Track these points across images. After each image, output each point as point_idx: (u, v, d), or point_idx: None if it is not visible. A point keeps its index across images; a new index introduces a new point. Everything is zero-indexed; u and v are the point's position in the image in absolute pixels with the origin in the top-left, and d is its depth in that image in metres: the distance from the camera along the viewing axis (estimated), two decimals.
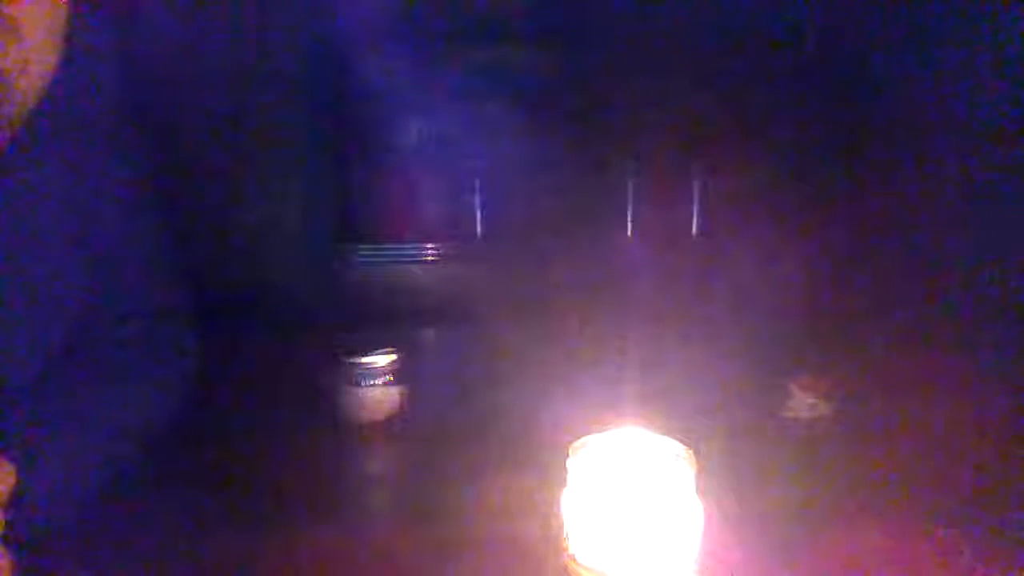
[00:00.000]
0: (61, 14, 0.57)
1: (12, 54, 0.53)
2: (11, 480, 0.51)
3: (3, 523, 0.50)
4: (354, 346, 0.88)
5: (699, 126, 1.25)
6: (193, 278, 0.84)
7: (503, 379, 0.96)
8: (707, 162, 1.30)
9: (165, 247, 0.80)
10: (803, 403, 0.87)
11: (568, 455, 0.57)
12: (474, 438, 0.84)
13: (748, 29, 1.25)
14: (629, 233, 1.34)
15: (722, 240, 1.30)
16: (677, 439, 0.58)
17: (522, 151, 1.29)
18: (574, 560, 0.55)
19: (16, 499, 0.51)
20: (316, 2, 1.24)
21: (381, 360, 0.87)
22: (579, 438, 0.58)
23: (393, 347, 0.89)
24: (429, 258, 1.36)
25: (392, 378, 0.88)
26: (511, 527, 0.64)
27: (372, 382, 0.87)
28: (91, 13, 0.65)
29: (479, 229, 1.36)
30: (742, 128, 1.23)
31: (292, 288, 1.26)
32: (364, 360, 0.87)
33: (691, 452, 0.56)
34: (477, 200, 1.36)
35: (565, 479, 0.56)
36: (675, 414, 0.67)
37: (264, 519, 0.68)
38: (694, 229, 1.33)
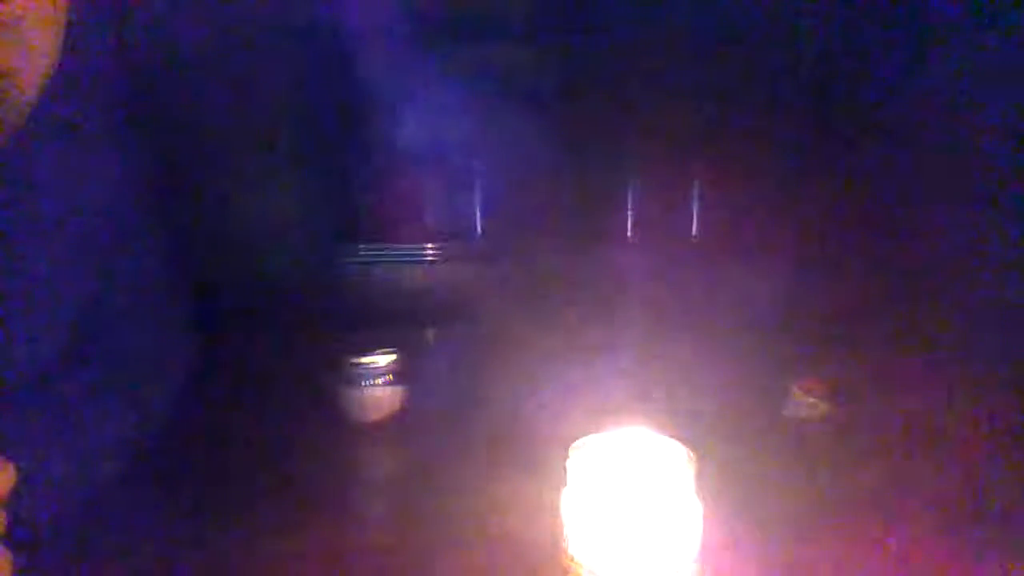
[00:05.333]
0: (62, 13, 0.57)
1: (13, 53, 0.53)
2: (11, 480, 0.51)
3: (3, 523, 0.50)
4: (354, 346, 0.88)
5: (699, 127, 1.25)
6: (193, 278, 0.84)
7: (503, 379, 0.96)
8: (707, 163, 1.30)
9: (164, 247, 0.80)
10: (803, 403, 0.87)
11: (568, 455, 0.57)
12: (474, 438, 0.84)
13: (748, 31, 1.25)
14: (629, 234, 1.34)
15: (722, 241, 1.30)
16: (677, 439, 0.58)
17: (522, 151, 1.28)
18: (574, 560, 0.55)
19: (16, 499, 0.51)
20: (317, 1, 1.24)
21: (381, 360, 0.87)
22: (579, 438, 0.58)
23: (393, 347, 0.89)
24: (429, 258, 1.36)
25: (392, 378, 0.88)
26: (511, 527, 0.64)
27: (372, 382, 0.87)
28: (91, 12, 0.65)
29: (479, 229, 1.36)
30: (742, 130, 1.23)
31: (292, 288, 1.26)
32: (364, 360, 0.87)
33: (691, 452, 0.56)
34: (477, 200, 1.36)
35: (565, 479, 0.56)
36: (675, 415, 0.67)
37: (264, 519, 0.68)
38: (694, 230, 1.33)
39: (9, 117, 0.57)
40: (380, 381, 0.87)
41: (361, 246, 1.35)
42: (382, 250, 1.36)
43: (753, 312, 1.14)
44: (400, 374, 0.88)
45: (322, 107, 1.29)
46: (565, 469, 0.56)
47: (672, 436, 0.58)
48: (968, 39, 1.08)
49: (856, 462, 0.77)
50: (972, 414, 0.84)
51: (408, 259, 1.36)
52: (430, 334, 1.25)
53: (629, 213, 1.34)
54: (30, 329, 0.65)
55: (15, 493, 0.51)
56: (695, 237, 1.33)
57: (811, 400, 0.87)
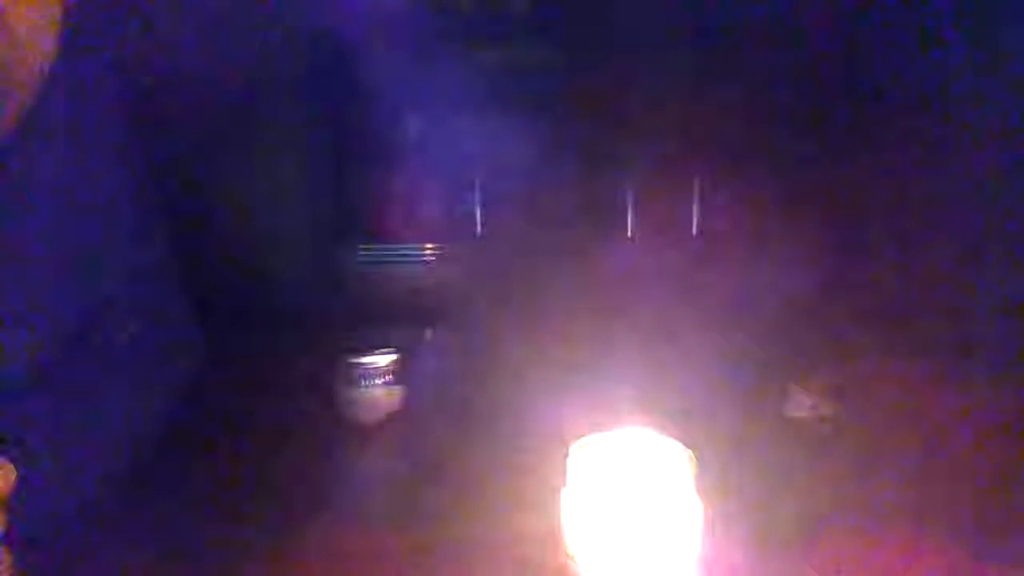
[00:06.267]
0: (57, 13, 0.57)
1: (9, 52, 0.53)
2: (11, 479, 0.51)
3: (3, 523, 0.50)
4: (354, 346, 0.88)
5: (699, 126, 1.25)
6: (193, 278, 0.84)
7: (503, 379, 0.96)
8: (707, 162, 1.30)
9: (164, 247, 0.80)
10: (803, 403, 0.87)
11: (568, 455, 0.57)
12: (473, 438, 0.84)
13: (748, 30, 1.25)
14: (629, 233, 1.34)
15: (722, 240, 1.30)
16: (677, 439, 0.58)
17: (522, 151, 1.28)
18: (574, 560, 0.55)
19: (16, 498, 0.51)
20: (317, 2, 1.24)
21: (381, 360, 0.87)
22: (579, 438, 0.58)
23: (393, 347, 0.89)
24: (429, 258, 1.36)
25: (392, 378, 0.88)
26: (511, 527, 0.64)
27: (372, 382, 0.87)
28: (91, 13, 0.65)
29: (479, 229, 1.36)
30: (742, 129, 1.23)
31: (292, 288, 1.26)
32: (364, 360, 0.87)
33: (691, 452, 0.56)
34: (477, 200, 1.36)
35: (565, 479, 0.56)
36: (675, 414, 0.67)
37: (264, 518, 0.68)
38: (694, 229, 1.33)
39: (6, 113, 0.57)
40: (380, 381, 0.87)
41: (361, 246, 1.36)
42: (382, 250, 1.36)
43: (753, 312, 1.14)
44: (400, 374, 0.88)
45: (323, 108, 1.29)
46: (565, 469, 0.56)
47: (672, 436, 0.58)
48: (968, 39, 1.08)
49: (856, 462, 0.77)
50: (973, 414, 0.84)
51: (408, 259, 1.36)
52: (430, 334, 1.25)
53: (629, 213, 1.34)
54: (30, 328, 0.65)
55: (15, 493, 0.51)
56: (695, 236, 1.33)
57: (811, 400, 0.87)
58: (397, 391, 0.88)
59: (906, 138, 1.14)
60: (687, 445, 0.57)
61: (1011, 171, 1.06)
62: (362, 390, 0.87)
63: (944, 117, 1.11)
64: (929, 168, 1.13)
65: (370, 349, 0.88)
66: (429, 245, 1.36)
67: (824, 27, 1.23)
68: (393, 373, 0.88)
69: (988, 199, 1.09)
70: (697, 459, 0.55)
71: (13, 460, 0.52)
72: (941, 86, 1.11)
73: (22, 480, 0.51)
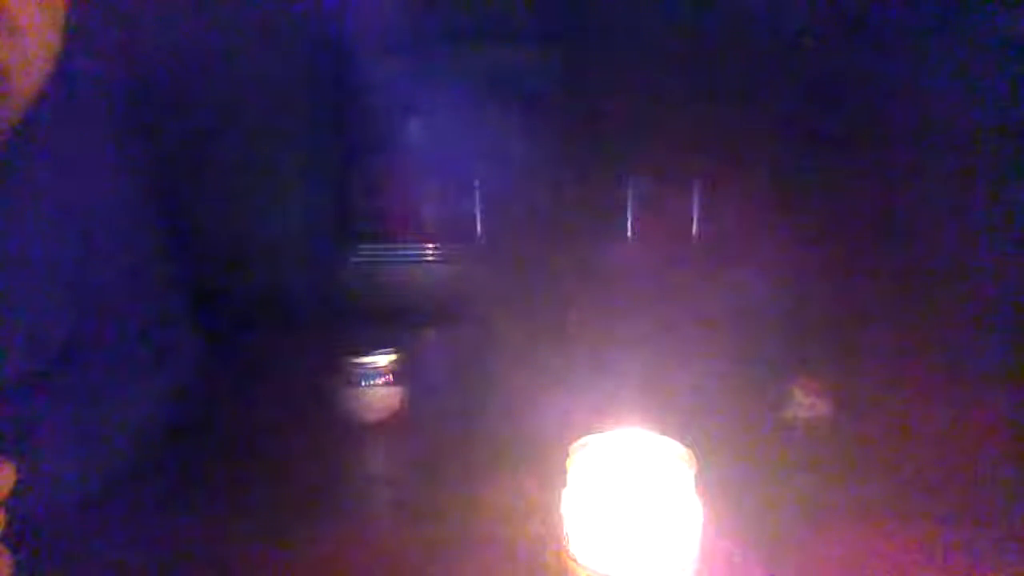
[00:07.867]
0: (61, 13, 0.57)
1: (13, 52, 0.53)
2: (11, 479, 0.51)
3: (3, 522, 0.50)
4: (354, 346, 0.88)
5: (699, 128, 1.25)
6: (193, 278, 0.84)
7: (503, 379, 0.96)
8: (707, 164, 1.30)
9: (165, 247, 0.80)
10: (803, 403, 0.87)
11: (568, 455, 0.57)
12: (474, 438, 0.84)
13: (748, 31, 1.25)
14: (629, 234, 1.34)
15: (722, 242, 1.30)
16: (677, 439, 0.58)
17: (522, 152, 1.29)
18: (574, 560, 0.55)
19: (16, 498, 0.51)
20: (317, 2, 1.24)
21: (381, 360, 0.87)
22: (579, 438, 0.58)
23: (393, 347, 0.89)
24: (429, 258, 1.36)
25: (392, 378, 0.88)
26: (511, 527, 0.64)
27: (372, 382, 0.87)
28: (92, 13, 0.65)
29: (479, 229, 1.37)
30: (742, 130, 1.24)
31: (293, 288, 1.26)
32: (364, 360, 0.87)
33: (691, 452, 0.56)
34: (477, 200, 1.36)
35: (565, 479, 0.56)
36: (675, 415, 0.67)
37: (264, 518, 0.68)
38: (694, 231, 1.33)
39: (9, 115, 0.57)
40: (380, 381, 0.87)
41: (361, 246, 1.36)
42: (382, 250, 1.36)
43: (753, 312, 1.14)
44: (400, 374, 0.88)
45: (323, 108, 1.29)
46: (565, 469, 0.56)
47: (672, 436, 0.58)
48: (969, 38, 1.08)
49: (855, 461, 0.77)
50: (971, 413, 0.84)
51: (408, 259, 1.36)
52: (430, 334, 1.25)
53: (629, 213, 1.34)
54: (30, 328, 0.65)
55: (15, 493, 0.51)
56: (695, 237, 1.33)
57: (811, 400, 0.87)
58: (397, 391, 0.88)
59: (906, 138, 1.14)
60: (687, 445, 0.57)
61: (1011, 171, 1.06)
62: (362, 390, 0.87)
63: (945, 116, 1.11)
64: (928, 170, 1.13)
65: (370, 349, 0.88)
66: (429, 245, 1.36)
67: (824, 29, 1.23)
68: (393, 373, 0.88)
69: (986, 201, 1.09)
70: (697, 459, 0.55)
71: (13, 460, 0.52)
72: (941, 86, 1.11)
73: (22, 479, 0.51)
